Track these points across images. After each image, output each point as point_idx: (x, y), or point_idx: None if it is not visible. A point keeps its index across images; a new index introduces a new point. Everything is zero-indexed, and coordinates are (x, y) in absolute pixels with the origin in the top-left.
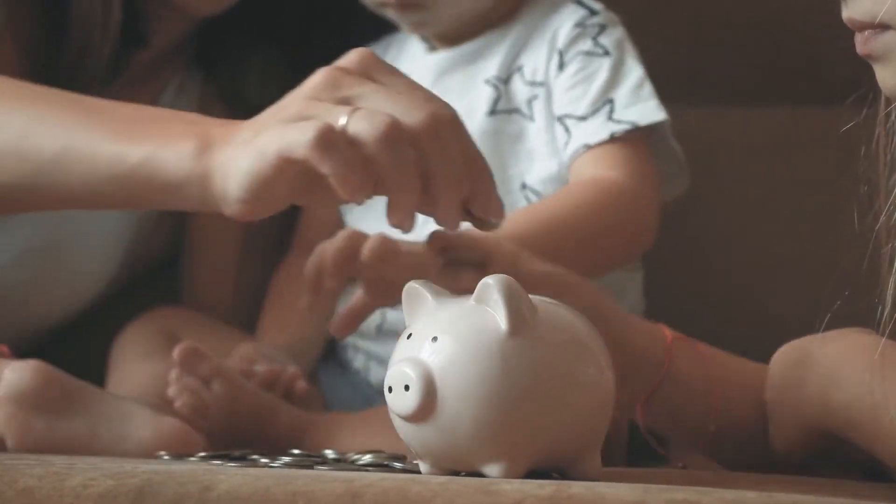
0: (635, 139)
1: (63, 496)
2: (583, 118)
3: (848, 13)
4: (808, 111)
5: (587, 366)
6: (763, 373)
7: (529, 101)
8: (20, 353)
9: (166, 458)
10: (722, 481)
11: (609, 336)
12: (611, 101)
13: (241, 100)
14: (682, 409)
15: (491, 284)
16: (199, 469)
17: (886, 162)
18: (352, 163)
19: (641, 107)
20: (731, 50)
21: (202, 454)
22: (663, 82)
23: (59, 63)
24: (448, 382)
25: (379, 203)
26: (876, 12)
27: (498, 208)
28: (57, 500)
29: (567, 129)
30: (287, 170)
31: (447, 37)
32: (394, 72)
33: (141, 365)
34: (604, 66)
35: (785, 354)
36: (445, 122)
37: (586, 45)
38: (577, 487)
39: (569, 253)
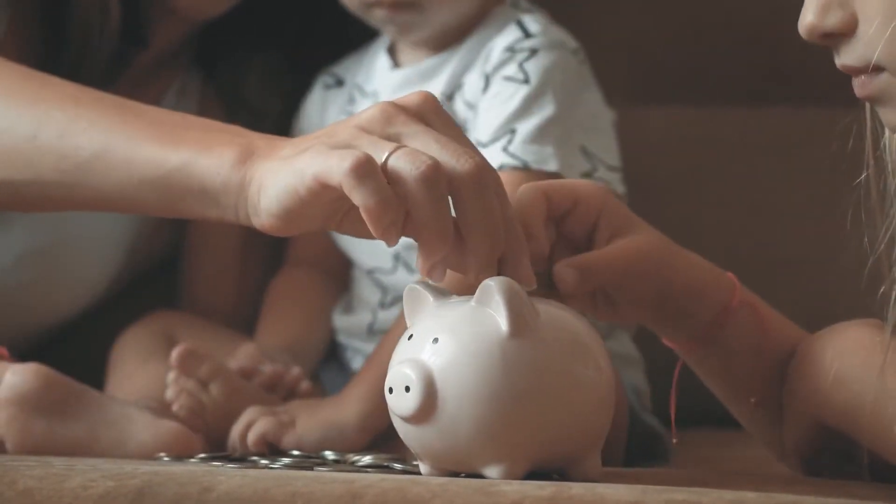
0: (530, 175)
1: (63, 497)
2: (484, 145)
3: (841, 61)
4: (806, 111)
5: (587, 367)
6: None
7: (465, 123)
8: (20, 355)
9: (166, 459)
10: (721, 481)
11: (673, 270)
12: (513, 132)
13: (241, 102)
14: (730, 363)
15: (492, 286)
16: (199, 470)
17: (880, 191)
18: (386, 198)
19: (538, 149)
20: (730, 51)
21: (202, 455)
22: (663, 83)
23: (59, 64)
24: (448, 384)
25: None
26: (868, 57)
27: (529, 276)
28: (57, 501)
29: None
30: (322, 194)
31: (428, 43)
32: (449, 121)
33: (140, 368)
34: (519, 94)
35: (802, 347)
36: (490, 177)
37: (511, 69)
38: (576, 488)
39: None
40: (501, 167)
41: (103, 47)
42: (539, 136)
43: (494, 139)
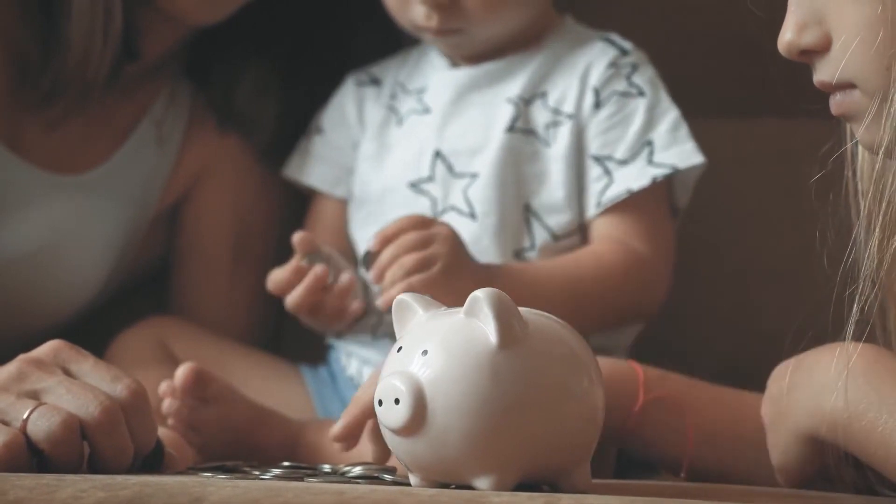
0: (665, 184)
1: None
2: (623, 162)
3: (818, 77)
4: (795, 123)
5: (577, 378)
6: (741, 399)
7: (548, 127)
8: (8, 360)
9: None
10: (710, 494)
11: None
12: (650, 143)
13: (233, 110)
14: (654, 444)
15: (481, 298)
16: (190, 481)
17: (858, 207)
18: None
19: (679, 149)
20: (720, 63)
21: (194, 466)
22: None
23: (59, 71)
24: (438, 396)
25: (389, 207)
26: (840, 73)
27: None
28: None
29: (608, 171)
30: None
31: (474, 57)
32: (85, 359)
33: (133, 374)
34: (640, 108)
35: (782, 367)
36: (116, 413)
37: (621, 85)
38: (566, 500)
39: (577, 308)
40: (654, 179)
41: (107, 53)
42: (673, 138)
43: (634, 155)
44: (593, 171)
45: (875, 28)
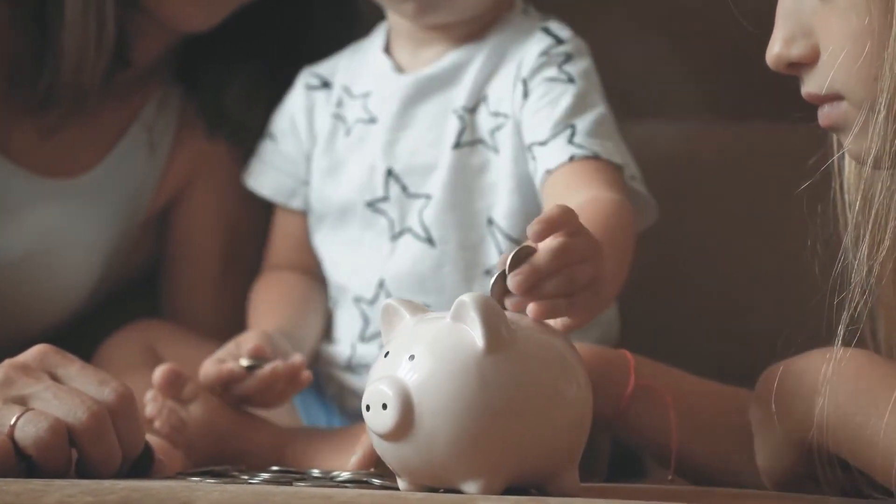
0: (601, 164)
1: None
2: (544, 143)
3: (806, 89)
4: (785, 127)
5: (564, 382)
6: (733, 395)
7: (493, 132)
8: None
9: None
10: (698, 497)
11: None
12: (572, 126)
13: (223, 114)
14: (643, 433)
15: (467, 303)
16: (178, 486)
17: (847, 220)
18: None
19: (601, 142)
20: (710, 68)
21: (182, 471)
22: (644, 99)
23: (53, 80)
24: (425, 400)
25: (349, 224)
26: (828, 85)
27: None
28: None
29: (534, 157)
30: None
31: (438, 34)
32: (71, 363)
33: (121, 378)
34: (568, 93)
35: (771, 370)
36: (103, 417)
37: (551, 72)
38: (554, 503)
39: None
40: (573, 158)
41: (100, 62)
42: (597, 131)
43: (554, 135)
44: (529, 162)
45: (862, 40)
